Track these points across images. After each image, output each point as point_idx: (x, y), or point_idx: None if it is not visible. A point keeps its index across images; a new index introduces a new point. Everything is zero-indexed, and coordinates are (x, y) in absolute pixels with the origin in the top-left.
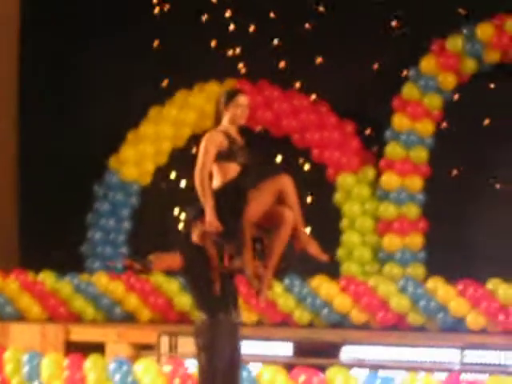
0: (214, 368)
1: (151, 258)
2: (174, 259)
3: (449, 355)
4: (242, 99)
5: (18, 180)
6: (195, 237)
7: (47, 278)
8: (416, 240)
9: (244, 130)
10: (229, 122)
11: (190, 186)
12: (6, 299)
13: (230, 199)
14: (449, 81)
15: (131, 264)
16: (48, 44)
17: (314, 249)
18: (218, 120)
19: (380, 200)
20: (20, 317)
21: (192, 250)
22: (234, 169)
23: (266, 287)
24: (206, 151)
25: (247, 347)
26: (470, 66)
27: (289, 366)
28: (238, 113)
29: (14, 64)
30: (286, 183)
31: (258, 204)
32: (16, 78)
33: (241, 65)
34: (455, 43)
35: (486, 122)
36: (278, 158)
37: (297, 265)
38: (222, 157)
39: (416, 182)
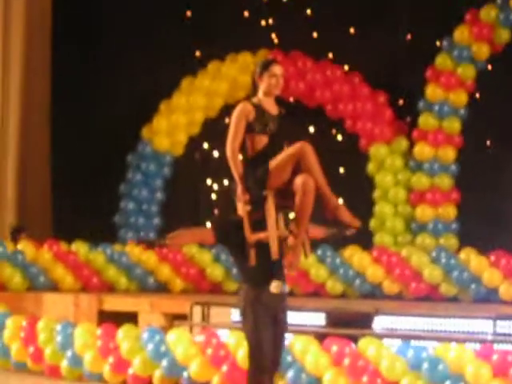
0: (258, 338)
1: (170, 235)
2: (202, 233)
3: (481, 326)
4: (276, 69)
5: (51, 150)
6: (239, 209)
7: (80, 248)
8: (449, 211)
9: (277, 101)
10: (264, 92)
11: (223, 157)
12: (40, 269)
13: (258, 170)
14: (482, 51)
15: (144, 242)
16: (81, 17)
17: (344, 215)
18: (254, 91)
19: (413, 171)
20: (53, 287)
21: (231, 222)
22: (263, 140)
23: (296, 257)
24: (235, 123)
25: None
26: (503, 35)
27: (321, 337)
28: (272, 83)
29: (48, 36)
30: (306, 150)
31: (277, 172)
32: (49, 49)
33: (274, 35)
34: (489, 13)
35: None
36: (311, 129)
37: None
38: (252, 129)
39: (449, 153)
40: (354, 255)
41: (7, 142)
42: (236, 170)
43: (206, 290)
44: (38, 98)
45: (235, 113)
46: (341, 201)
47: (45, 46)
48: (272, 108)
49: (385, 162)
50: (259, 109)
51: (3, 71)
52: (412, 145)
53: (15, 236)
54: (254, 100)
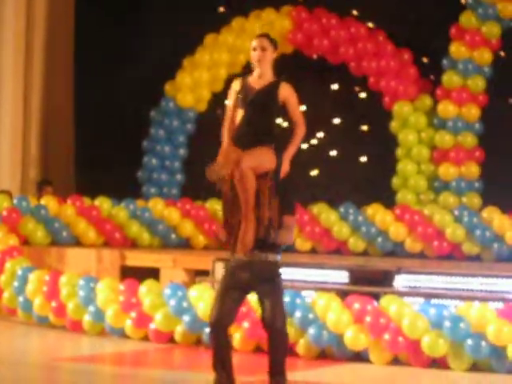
0: (215, 297)
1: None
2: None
3: (504, 285)
4: (253, 42)
5: (75, 105)
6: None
7: (103, 204)
8: (472, 169)
9: (301, 58)
10: (252, 66)
11: None
12: (63, 224)
13: (234, 142)
14: (508, 9)
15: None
16: None
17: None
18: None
19: (436, 129)
20: (76, 242)
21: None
22: (240, 114)
23: (239, 240)
24: (228, 98)
25: (302, 274)
26: None
27: (343, 294)
28: (252, 56)
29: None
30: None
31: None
32: (73, 11)
33: None
34: None
35: None
36: (335, 86)
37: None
38: (238, 103)
39: (473, 111)
40: (377, 213)
41: (31, 100)
42: (222, 141)
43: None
44: (61, 58)
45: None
46: (364, 158)
47: (69, 6)
48: (256, 82)
49: (408, 120)
50: (243, 83)
51: (27, 30)
52: (436, 103)
53: (41, 189)
54: (246, 76)
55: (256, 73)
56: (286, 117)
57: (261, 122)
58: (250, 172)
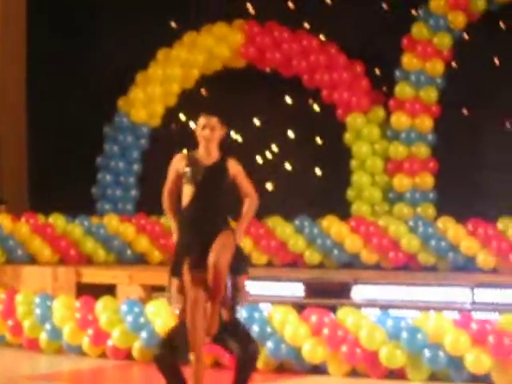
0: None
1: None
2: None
3: (460, 294)
4: (202, 120)
5: (27, 122)
6: None
7: (58, 221)
8: (426, 180)
9: (253, 72)
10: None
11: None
12: (17, 242)
13: (186, 219)
14: (458, 20)
15: None
16: None
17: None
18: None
19: (390, 140)
20: (31, 260)
21: None
22: (190, 190)
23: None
24: (168, 174)
25: (258, 288)
26: (479, 4)
27: (300, 307)
28: (201, 134)
29: (23, 10)
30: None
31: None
32: (24, 24)
33: (249, 6)
34: None
35: (496, 61)
36: (288, 99)
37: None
38: (183, 180)
39: (426, 122)
40: (332, 225)
41: None
42: (169, 219)
43: None
44: (13, 73)
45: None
46: (319, 171)
47: (20, 20)
48: (205, 158)
49: (362, 131)
50: (189, 160)
51: None
52: (389, 114)
53: None
54: (190, 152)
55: (204, 150)
56: (237, 192)
57: (214, 200)
58: (226, 270)
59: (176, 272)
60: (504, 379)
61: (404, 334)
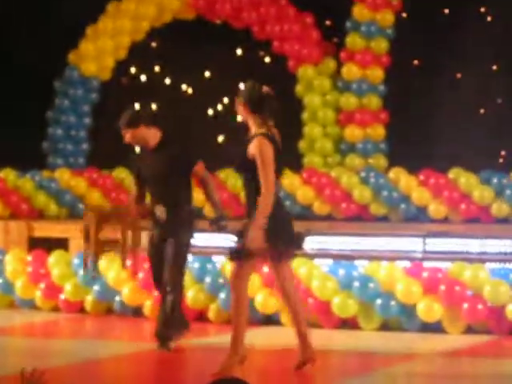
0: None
1: None
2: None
3: (411, 244)
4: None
5: None
6: None
7: (9, 175)
8: (377, 131)
9: (204, 23)
10: None
11: (150, 81)
12: None
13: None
14: None
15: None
16: None
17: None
18: None
19: (341, 91)
20: None
21: None
22: None
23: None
24: (266, 160)
25: (211, 240)
26: None
27: None
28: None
29: None
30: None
31: None
32: None
33: None
34: None
35: (446, 10)
36: (239, 51)
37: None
38: None
39: (377, 73)
40: (284, 177)
41: None
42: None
43: (136, 214)
44: None
45: None
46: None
47: None
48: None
49: (313, 83)
50: None
51: None
52: (340, 66)
53: None
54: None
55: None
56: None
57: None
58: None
59: None
60: (455, 327)
61: (356, 284)
